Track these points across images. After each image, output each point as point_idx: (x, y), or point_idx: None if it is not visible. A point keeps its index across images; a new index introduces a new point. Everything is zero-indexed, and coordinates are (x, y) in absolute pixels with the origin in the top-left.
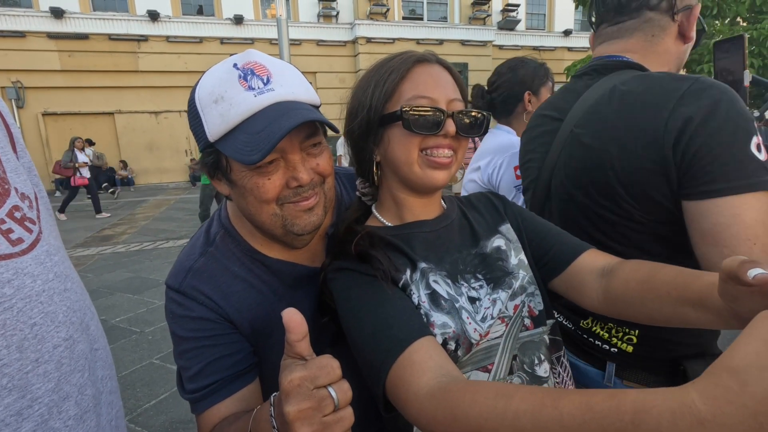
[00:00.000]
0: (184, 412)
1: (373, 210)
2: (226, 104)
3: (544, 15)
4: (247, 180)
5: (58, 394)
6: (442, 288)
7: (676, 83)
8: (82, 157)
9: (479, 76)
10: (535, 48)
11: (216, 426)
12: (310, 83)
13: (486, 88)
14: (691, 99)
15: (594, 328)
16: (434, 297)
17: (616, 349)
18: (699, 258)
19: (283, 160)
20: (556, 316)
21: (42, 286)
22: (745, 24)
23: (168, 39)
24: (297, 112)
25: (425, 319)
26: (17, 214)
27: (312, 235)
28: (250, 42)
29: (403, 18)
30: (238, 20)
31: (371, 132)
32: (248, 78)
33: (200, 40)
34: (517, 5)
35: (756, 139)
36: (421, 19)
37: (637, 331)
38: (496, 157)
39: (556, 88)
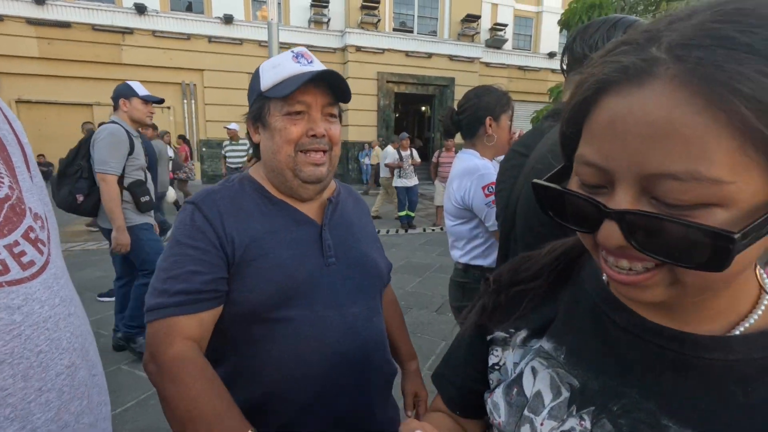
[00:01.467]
0: (151, 421)
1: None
2: (280, 68)
3: (530, 36)
4: (279, 122)
5: (56, 424)
6: (541, 385)
7: None
8: None
9: (466, 91)
10: (520, 67)
11: (185, 349)
12: None
13: (456, 109)
14: None
15: None
16: (517, 383)
17: None
18: None
19: (308, 114)
20: None
21: (49, 312)
22: None
23: (154, 33)
24: (324, 71)
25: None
26: (32, 235)
27: (315, 187)
28: (239, 42)
29: (394, 29)
30: (228, 20)
31: None
32: (299, 57)
33: (188, 37)
34: (505, 25)
35: None
36: (411, 31)
37: None
38: (464, 180)
39: (538, 107)
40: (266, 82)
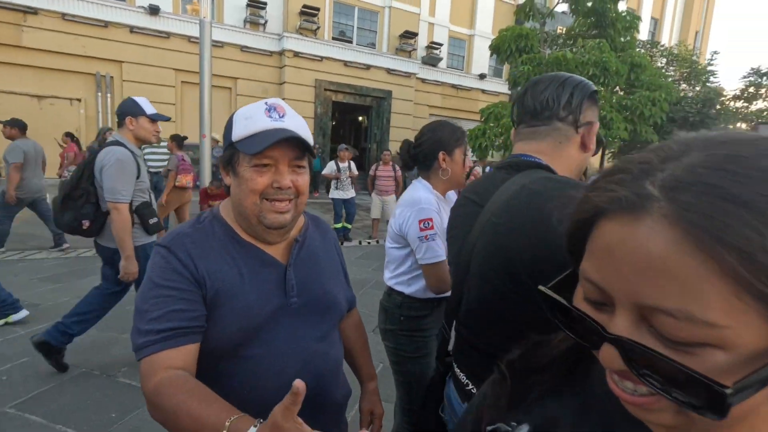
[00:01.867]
0: None
1: None
2: (251, 120)
3: (463, 57)
4: (247, 172)
5: None
6: None
7: (560, 187)
8: None
9: (403, 105)
10: (453, 86)
11: (165, 376)
12: (230, 88)
13: (413, 143)
14: (554, 211)
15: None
16: None
17: None
18: None
19: (275, 167)
20: (471, 386)
21: None
22: (622, 93)
23: (64, 17)
24: (293, 134)
25: None
26: None
27: (278, 232)
28: (166, 36)
29: (333, 38)
30: (154, 11)
31: None
32: (271, 111)
33: (105, 24)
34: (440, 44)
35: None
36: (351, 42)
37: None
38: (405, 209)
39: (470, 125)
40: (237, 133)
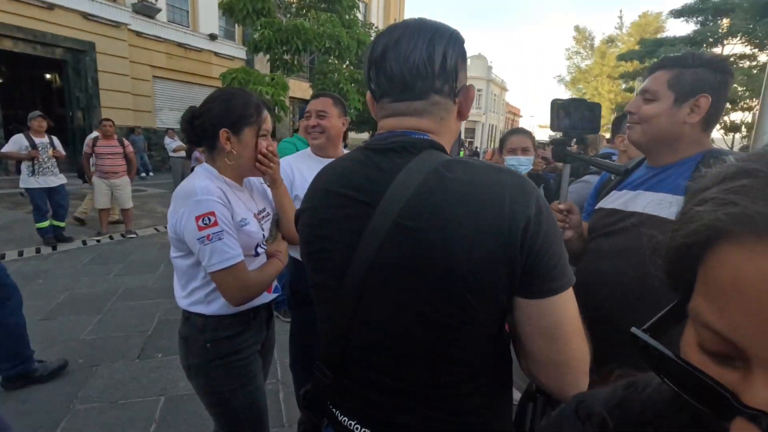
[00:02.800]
0: None
1: None
2: None
3: (188, 12)
4: None
5: None
6: None
7: (497, 176)
8: None
9: (113, 62)
10: (180, 44)
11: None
12: None
13: (197, 111)
14: (520, 196)
15: None
16: None
17: None
18: (532, 351)
19: None
20: None
21: None
22: (352, 67)
23: None
24: None
25: None
26: None
27: None
28: None
29: None
30: None
31: None
32: None
33: None
34: None
35: None
36: None
37: None
38: (178, 205)
39: (206, 90)
40: None
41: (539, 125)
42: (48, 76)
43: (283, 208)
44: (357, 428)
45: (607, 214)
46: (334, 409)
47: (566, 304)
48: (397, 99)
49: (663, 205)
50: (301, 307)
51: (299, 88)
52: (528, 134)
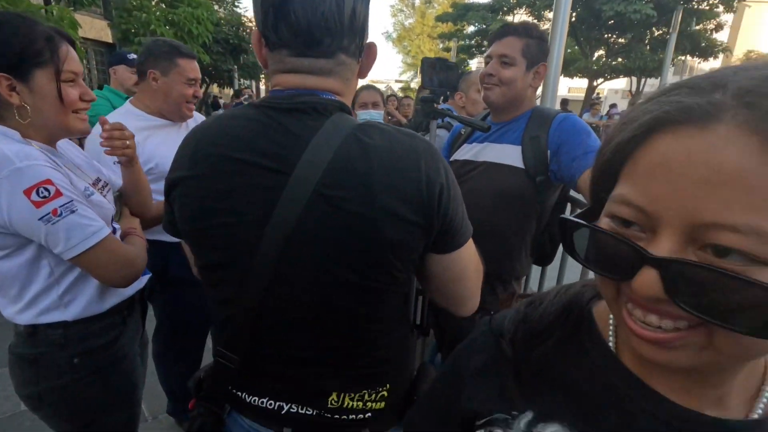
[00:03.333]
0: None
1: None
2: None
3: None
4: None
5: None
6: None
7: (411, 142)
8: None
9: None
10: None
11: None
12: None
13: None
14: (432, 163)
15: (345, 404)
16: None
17: (370, 413)
18: (444, 293)
19: None
20: (287, 407)
21: None
22: (165, 6)
23: None
24: None
25: None
26: None
27: None
28: None
29: None
30: None
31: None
32: None
33: None
34: None
35: None
36: None
37: (387, 385)
38: None
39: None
40: None
41: (370, 80)
42: None
43: (140, 185)
44: (270, 404)
45: (462, 165)
46: (239, 393)
47: (469, 249)
48: (300, 54)
49: (506, 153)
50: (166, 292)
51: (93, 27)
52: (377, 90)
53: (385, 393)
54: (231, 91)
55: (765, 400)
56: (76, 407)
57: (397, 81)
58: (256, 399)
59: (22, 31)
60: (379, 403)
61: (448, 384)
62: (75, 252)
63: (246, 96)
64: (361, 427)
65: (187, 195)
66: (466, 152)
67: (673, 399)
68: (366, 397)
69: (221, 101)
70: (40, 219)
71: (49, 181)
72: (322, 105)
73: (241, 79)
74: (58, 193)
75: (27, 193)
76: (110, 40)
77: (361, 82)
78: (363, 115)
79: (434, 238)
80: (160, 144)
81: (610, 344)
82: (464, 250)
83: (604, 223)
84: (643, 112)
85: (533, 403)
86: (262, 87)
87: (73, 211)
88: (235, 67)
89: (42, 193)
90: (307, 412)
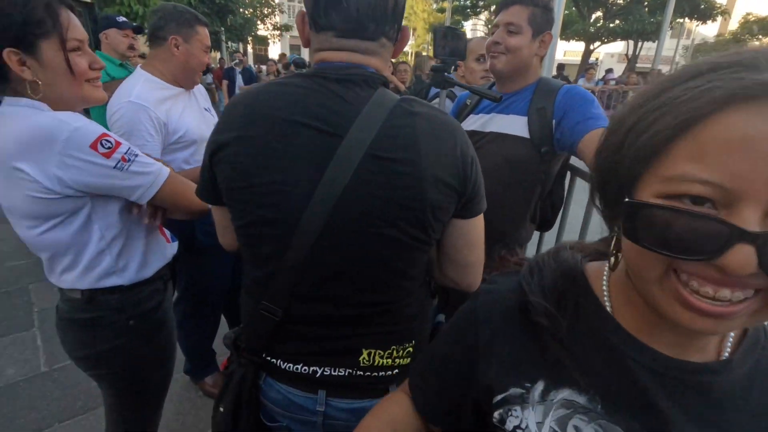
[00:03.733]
0: None
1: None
2: None
3: None
4: None
5: None
6: None
7: (444, 116)
8: None
9: None
10: None
11: None
12: None
13: None
14: (462, 137)
15: (376, 362)
16: None
17: (398, 370)
18: (456, 259)
19: None
20: (321, 370)
21: None
22: None
23: None
24: None
25: None
26: None
27: None
28: None
29: None
30: None
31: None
32: None
33: None
34: None
35: None
36: None
37: (413, 341)
38: (45, 150)
39: None
40: None
41: None
42: None
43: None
44: (305, 369)
45: (469, 135)
46: (273, 360)
47: (482, 218)
48: (347, 37)
49: (512, 124)
50: (191, 260)
51: None
52: None
53: (411, 349)
54: (218, 55)
55: (730, 341)
56: (128, 366)
57: None
58: (291, 366)
59: (11, 3)
60: (405, 359)
61: (461, 351)
62: (152, 191)
63: (237, 60)
64: (389, 383)
65: (239, 154)
66: (473, 123)
67: (666, 353)
68: (394, 353)
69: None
70: (114, 167)
71: (105, 134)
72: (371, 78)
73: (228, 42)
74: (118, 143)
75: (93, 146)
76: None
77: None
78: None
79: (462, 204)
80: (182, 113)
81: (607, 307)
82: (480, 218)
83: (672, 203)
84: (710, 89)
85: (545, 370)
86: (250, 50)
87: (136, 155)
88: (222, 29)
89: (105, 144)
90: (339, 373)
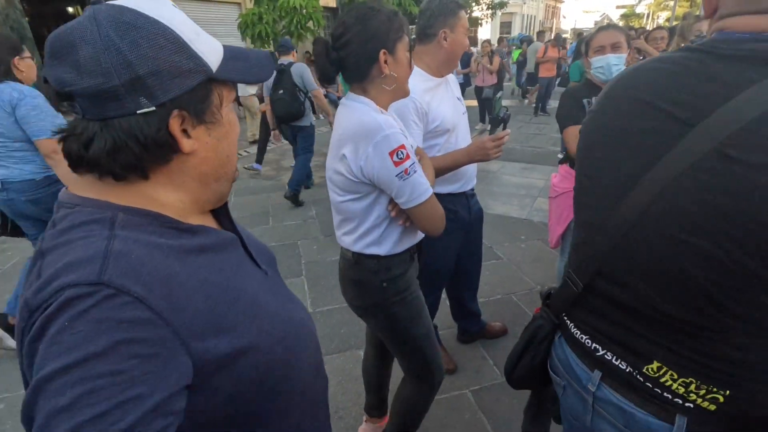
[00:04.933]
0: None
1: None
2: (205, 37)
3: None
4: (231, 115)
5: None
6: None
7: None
8: None
9: None
10: None
11: None
12: None
13: (331, 43)
14: None
15: (663, 379)
16: None
17: (692, 405)
18: None
19: None
20: (602, 351)
21: None
22: None
23: None
24: (258, 54)
25: None
26: None
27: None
28: None
29: None
30: None
31: None
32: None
33: None
34: None
35: None
36: None
37: (727, 392)
38: (360, 144)
39: (233, 9)
40: (212, 59)
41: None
42: (70, 10)
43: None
44: (588, 342)
45: None
46: (569, 321)
47: None
48: None
49: None
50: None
51: None
52: (619, 28)
53: (720, 397)
54: None
55: None
56: (389, 319)
57: (618, 7)
58: (578, 333)
59: (386, 16)
60: (708, 403)
61: None
62: (413, 203)
63: None
64: (677, 410)
65: (597, 126)
66: None
67: None
68: (692, 387)
69: None
70: (396, 175)
71: (402, 146)
72: (764, 52)
73: None
74: (408, 156)
75: (391, 154)
76: (334, 5)
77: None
78: (598, 62)
79: None
80: (440, 103)
81: None
82: None
83: None
84: None
85: None
86: None
87: (416, 171)
88: None
89: (399, 155)
90: (620, 365)
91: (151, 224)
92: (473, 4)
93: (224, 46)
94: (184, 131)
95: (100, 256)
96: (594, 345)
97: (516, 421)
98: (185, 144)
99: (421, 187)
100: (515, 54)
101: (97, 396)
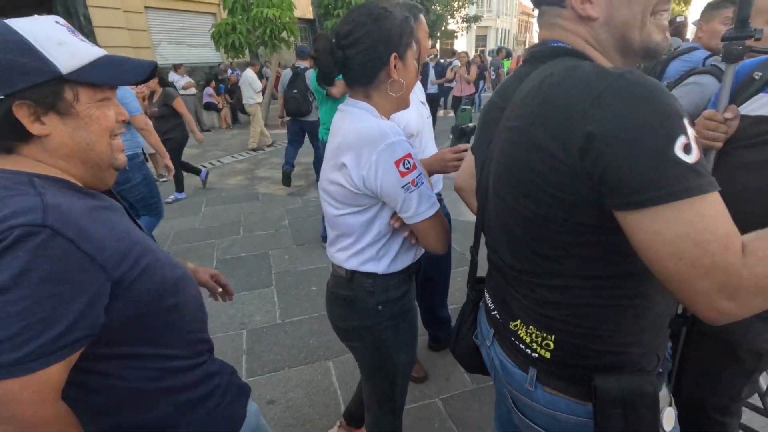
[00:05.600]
0: None
1: None
2: (70, 46)
3: None
4: (94, 110)
5: None
6: None
7: (595, 81)
8: None
9: None
10: None
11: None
12: None
13: (335, 40)
14: (599, 108)
15: (521, 332)
16: None
17: (536, 354)
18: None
19: (111, 99)
20: (494, 312)
21: None
22: None
23: None
24: (138, 61)
25: None
26: None
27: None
28: None
29: None
30: None
31: None
32: (75, 32)
33: None
34: None
35: (681, 140)
36: None
37: (553, 336)
38: (363, 152)
39: (206, 19)
40: (67, 63)
41: None
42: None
43: None
44: (489, 302)
45: (755, 122)
46: (486, 291)
47: (655, 225)
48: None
49: None
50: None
51: (298, 4)
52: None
53: (550, 343)
54: None
55: None
56: (376, 344)
57: None
58: (487, 297)
59: (399, 18)
60: (543, 350)
61: None
62: (420, 218)
63: (431, 55)
64: (528, 361)
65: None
66: (763, 105)
67: None
68: (533, 336)
69: None
70: (402, 187)
71: (409, 155)
72: (556, 51)
73: None
74: (415, 167)
75: (397, 163)
76: (311, 17)
77: None
78: None
79: (595, 187)
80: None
81: None
82: (646, 218)
83: None
84: None
85: None
86: (437, 45)
87: (423, 183)
88: None
89: (406, 164)
90: (501, 321)
91: (63, 187)
92: (449, 17)
93: (106, 55)
94: (38, 118)
95: (39, 207)
96: (491, 305)
97: (486, 429)
98: (33, 128)
99: (429, 201)
100: (506, 65)
101: (41, 306)
